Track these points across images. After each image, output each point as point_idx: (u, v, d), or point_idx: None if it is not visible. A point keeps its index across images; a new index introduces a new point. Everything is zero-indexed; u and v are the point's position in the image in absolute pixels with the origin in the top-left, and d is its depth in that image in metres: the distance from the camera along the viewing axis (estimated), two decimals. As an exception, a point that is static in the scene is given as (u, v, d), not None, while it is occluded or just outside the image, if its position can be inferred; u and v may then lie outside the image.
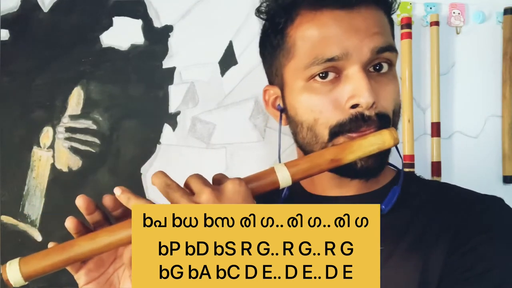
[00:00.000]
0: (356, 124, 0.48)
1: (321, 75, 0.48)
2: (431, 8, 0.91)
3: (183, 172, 0.92)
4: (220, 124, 0.91)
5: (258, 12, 0.54)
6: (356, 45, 0.47)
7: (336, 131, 0.49)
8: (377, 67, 0.50)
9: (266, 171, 0.46)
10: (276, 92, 0.56)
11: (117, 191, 0.43)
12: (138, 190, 0.88)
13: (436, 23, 0.89)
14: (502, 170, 0.91)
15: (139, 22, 0.91)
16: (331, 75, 0.48)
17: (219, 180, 0.45)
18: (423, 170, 0.90)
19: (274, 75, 0.55)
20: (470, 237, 0.47)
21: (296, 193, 0.59)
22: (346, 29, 0.47)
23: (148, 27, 0.91)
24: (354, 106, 0.47)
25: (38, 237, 0.88)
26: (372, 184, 0.55)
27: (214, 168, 0.91)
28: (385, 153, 0.50)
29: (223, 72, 0.91)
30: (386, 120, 0.49)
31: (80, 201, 0.44)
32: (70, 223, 0.45)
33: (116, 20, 0.91)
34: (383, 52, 0.48)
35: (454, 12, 0.91)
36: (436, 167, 0.89)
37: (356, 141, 0.47)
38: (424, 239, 0.49)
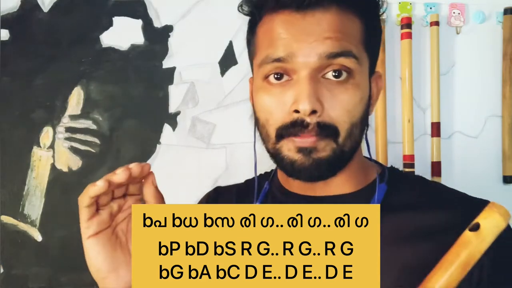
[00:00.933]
0: (296, 129, 0.48)
1: (275, 76, 0.49)
2: (431, 8, 0.91)
3: (183, 172, 0.93)
4: (220, 124, 0.91)
5: (241, 8, 0.55)
6: (304, 48, 0.47)
7: (281, 134, 0.49)
8: (336, 74, 0.48)
9: None
10: None
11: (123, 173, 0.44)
12: (138, 190, 0.88)
13: (436, 23, 0.89)
14: (502, 170, 0.91)
15: (139, 22, 0.91)
16: (285, 77, 0.49)
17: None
18: (423, 170, 0.90)
19: (252, 69, 0.57)
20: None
21: (277, 191, 0.59)
22: (296, 32, 0.47)
23: (148, 27, 0.91)
24: (296, 111, 0.47)
25: (38, 237, 0.88)
26: (356, 183, 0.54)
27: (214, 168, 0.92)
28: (330, 160, 0.48)
29: (223, 72, 0.91)
30: (330, 131, 0.48)
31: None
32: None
33: (116, 20, 0.91)
34: (335, 57, 0.47)
35: (454, 12, 0.91)
36: (436, 167, 0.89)
37: (476, 238, 0.40)
38: (414, 236, 0.49)
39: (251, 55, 0.55)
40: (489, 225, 0.39)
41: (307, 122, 0.47)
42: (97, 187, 0.43)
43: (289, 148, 0.49)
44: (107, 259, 0.45)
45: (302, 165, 0.48)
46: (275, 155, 0.51)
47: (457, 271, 0.39)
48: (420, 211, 0.51)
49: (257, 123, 0.53)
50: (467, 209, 0.50)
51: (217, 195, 0.66)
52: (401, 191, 0.53)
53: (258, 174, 0.66)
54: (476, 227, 0.40)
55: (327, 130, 0.47)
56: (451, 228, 0.48)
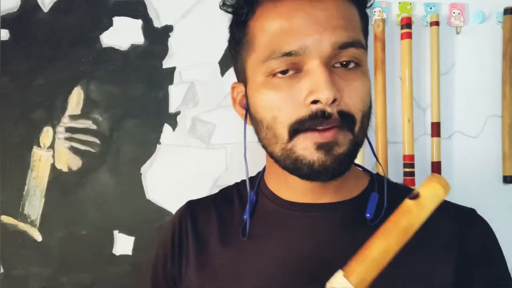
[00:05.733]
0: (316, 121, 0.44)
1: (281, 71, 0.46)
2: (431, 8, 0.91)
3: (183, 172, 0.93)
4: (220, 124, 0.91)
5: (223, 5, 0.52)
6: (316, 39, 0.44)
7: (295, 129, 0.45)
8: (344, 63, 0.46)
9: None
10: (242, 90, 0.53)
11: None
12: (138, 190, 0.88)
13: (436, 23, 0.89)
14: (502, 170, 0.91)
15: (139, 22, 0.91)
16: (290, 72, 0.46)
17: None
18: (423, 170, 0.90)
19: (239, 72, 0.53)
20: (472, 260, 0.47)
21: (268, 200, 0.55)
22: (305, 21, 0.44)
23: (148, 27, 0.91)
24: (314, 102, 0.44)
25: (38, 237, 0.87)
26: (348, 191, 0.53)
27: (214, 168, 0.91)
28: (349, 154, 0.46)
29: (223, 72, 0.91)
30: (350, 120, 0.46)
31: None
32: None
33: (116, 20, 0.91)
34: (346, 47, 0.45)
35: (454, 12, 0.91)
36: (436, 167, 0.89)
37: (416, 206, 0.40)
38: (414, 245, 0.49)
39: (244, 54, 0.51)
40: (429, 194, 0.40)
41: (328, 113, 0.44)
42: None
43: (305, 146, 0.45)
44: None
45: (323, 165, 0.45)
46: (286, 157, 0.47)
47: (396, 239, 0.39)
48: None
49: (259, 126, 0.49)
50: (462, 218, 0.52)
51: (191, 211, 0.60)
52: (391, 200, 0.51)
53: (237, 182, 0.63)
54: (416, 196, 0.40)
55: (347, 119, 0.45)
56: (450, 237, 0.49)
